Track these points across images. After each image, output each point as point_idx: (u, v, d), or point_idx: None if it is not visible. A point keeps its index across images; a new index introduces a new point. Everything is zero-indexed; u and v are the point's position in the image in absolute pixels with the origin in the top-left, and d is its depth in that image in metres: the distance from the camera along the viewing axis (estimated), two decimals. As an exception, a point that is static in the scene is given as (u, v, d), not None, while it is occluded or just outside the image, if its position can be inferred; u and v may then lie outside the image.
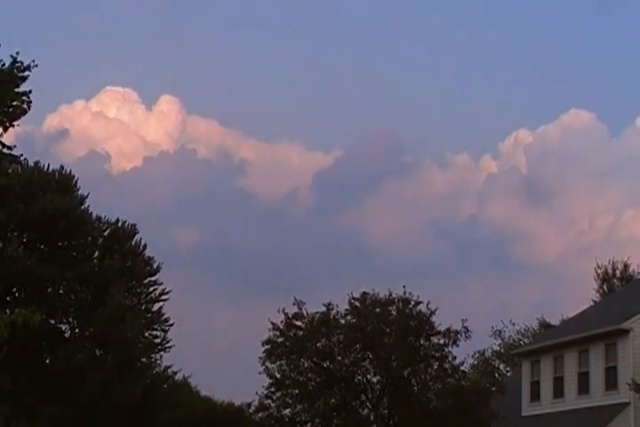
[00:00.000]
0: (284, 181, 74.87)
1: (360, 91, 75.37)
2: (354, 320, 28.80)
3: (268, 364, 28.75)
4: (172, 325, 30.01)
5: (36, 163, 28.09)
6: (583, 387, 29.06)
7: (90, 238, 28.83)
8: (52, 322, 27.67)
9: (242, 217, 66.50)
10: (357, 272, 60.92)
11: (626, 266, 45.59)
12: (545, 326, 44.06)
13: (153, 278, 30.17)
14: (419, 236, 71.36)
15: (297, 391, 28.43)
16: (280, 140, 77.76)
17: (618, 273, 45.78)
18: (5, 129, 25.22)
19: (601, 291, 45.43)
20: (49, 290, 27.45)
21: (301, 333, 28.69)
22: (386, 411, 28.68)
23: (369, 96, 75.39)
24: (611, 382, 27.75)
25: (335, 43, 76.66)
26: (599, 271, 46.27)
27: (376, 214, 70.26)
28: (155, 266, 30.19)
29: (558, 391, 30.21)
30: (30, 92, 25.21)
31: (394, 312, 28.81)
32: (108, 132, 72.72)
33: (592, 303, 40.89)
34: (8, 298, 26.60)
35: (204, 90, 75.68)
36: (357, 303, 29.10)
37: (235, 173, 72.69)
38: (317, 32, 77.14)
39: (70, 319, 28.41)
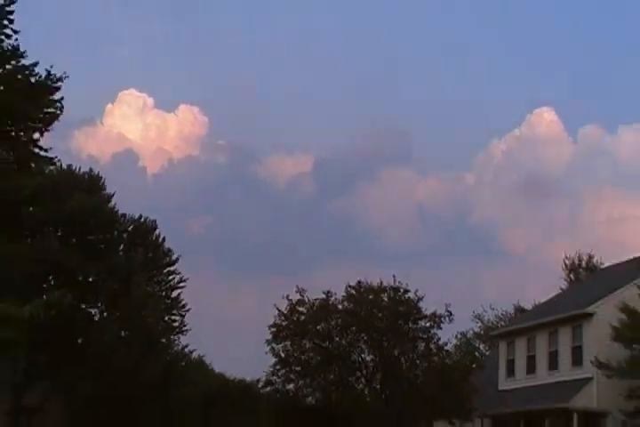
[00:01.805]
0: (289, 170, 75.44)
1: (359, 89, 75.86)
2: (350, 306, 28.87)
3: (274, 345, 28.82)
4: (188, 310, 30.40)
5: (69, 166, 28.45)
6: (553, 364, 29.12)
7: (116, 233, 29.22)
8: (84, 306, 28.01)
9: (252, 206, 67.13)
10: (353, 256, 61.74)
11: (590, 257, 46.21)
12: (519, 310, 44.37)
13: (172, 268, 30.62)
14: (410, 223, 71.77)
15: (299, 369, 28.55)
16: (287, 135, 78.24)
17: (583, 264, 46.31)
18: (42, 133, 25.53)
19: (568, 279, 45.90)
20: (80, 278, 27.77)
21: (303, 317, 28.74)
22: (378, 386, 28.78)
23: (368, 93, 75.80)
24: (577, 359, 27.82)
25: (338, 47, 77.13)
26: (567, 262, 46.84)
27: (371, 202, 70.93)
28: (173, 257, 30.60)
29: (531, 368, 30.29)
30: (62, 99, 25.53)
31: (385, 299, 28.80)
32: (136, 134, 73.61)
33: (560, 290, 41.30)
34: (45, 285, 26.92)
35: (222, 96, 76.23)
36: (353, 291, 29.11)
37: (247, 165, 73.34)
38: (325, 39, 77.33)
39: (99, 304, 28.74)
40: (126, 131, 73.53)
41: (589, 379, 26.87)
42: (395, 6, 76.39)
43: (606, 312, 26.25)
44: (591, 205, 72.46)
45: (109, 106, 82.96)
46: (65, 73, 24.73)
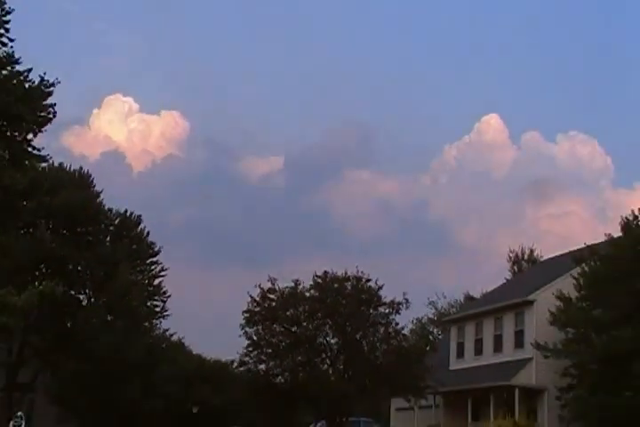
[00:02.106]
0: (263, 167, 75.93)
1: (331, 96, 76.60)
2: (317, 294, 29.14)
3: (247, 329, 28.99)
4: (169, 296, 30.60)
5: (61, 164, 28.40)
6: (497, 346, 30.07)
7: (103, 226, 29.37)
8: (72, 293, 28.02)
9: (229, 202, 67.45)
10: (321, 247, 62.43)
11: (532, 251, 47.41)
12: (469, 298, 45.31)
13: (154, 259, 30.87)
14: (372, 219, 72.58)
15: (270, 351, 28.76)
16: (261, 135, 78.69)
17: (525, 256, 47.35)
18: (35, 134, 25.43)
19: (512, 270, 46.87)
20: (70, 267, 27.83)
21: (274, 304, 28.97)
22: (342, 366, 29.12)
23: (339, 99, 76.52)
24: (519, 342, 28.68)
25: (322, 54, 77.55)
26: (511, 255, 47.85)
27: (338, 199, 71.64)
28: (155, 249, 30.80)
29: (478, 350, 31.26)
30: (55, 105, 25.44)
31: (349, 287, 29.15)
32: (123, 135, 73.52)
33: (505, 280, 42.20)
34: (37, 273, 26.83)
35: (202, 101, 76.38)
36: (319, 280, 29.40)
37: (224, 163, 73.55)
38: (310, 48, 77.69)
39: (87, 291, 28.82)
40: (113, 132, 73.38)
41: (529, 359, 27.80)
42: (369, 15, 77.49)
43: (545, 300, 27.04)
44: (533, 203, 74.12)
45: (96, 110, 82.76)
46: (57, 79, 24.76)
